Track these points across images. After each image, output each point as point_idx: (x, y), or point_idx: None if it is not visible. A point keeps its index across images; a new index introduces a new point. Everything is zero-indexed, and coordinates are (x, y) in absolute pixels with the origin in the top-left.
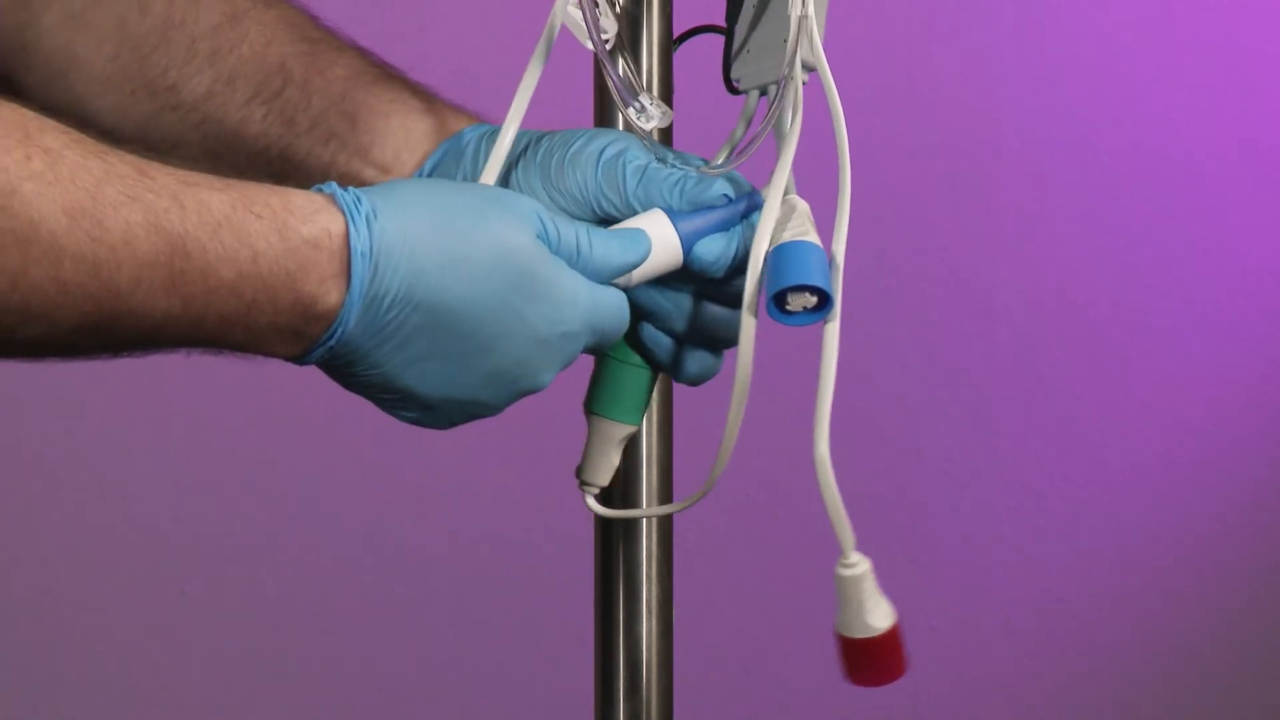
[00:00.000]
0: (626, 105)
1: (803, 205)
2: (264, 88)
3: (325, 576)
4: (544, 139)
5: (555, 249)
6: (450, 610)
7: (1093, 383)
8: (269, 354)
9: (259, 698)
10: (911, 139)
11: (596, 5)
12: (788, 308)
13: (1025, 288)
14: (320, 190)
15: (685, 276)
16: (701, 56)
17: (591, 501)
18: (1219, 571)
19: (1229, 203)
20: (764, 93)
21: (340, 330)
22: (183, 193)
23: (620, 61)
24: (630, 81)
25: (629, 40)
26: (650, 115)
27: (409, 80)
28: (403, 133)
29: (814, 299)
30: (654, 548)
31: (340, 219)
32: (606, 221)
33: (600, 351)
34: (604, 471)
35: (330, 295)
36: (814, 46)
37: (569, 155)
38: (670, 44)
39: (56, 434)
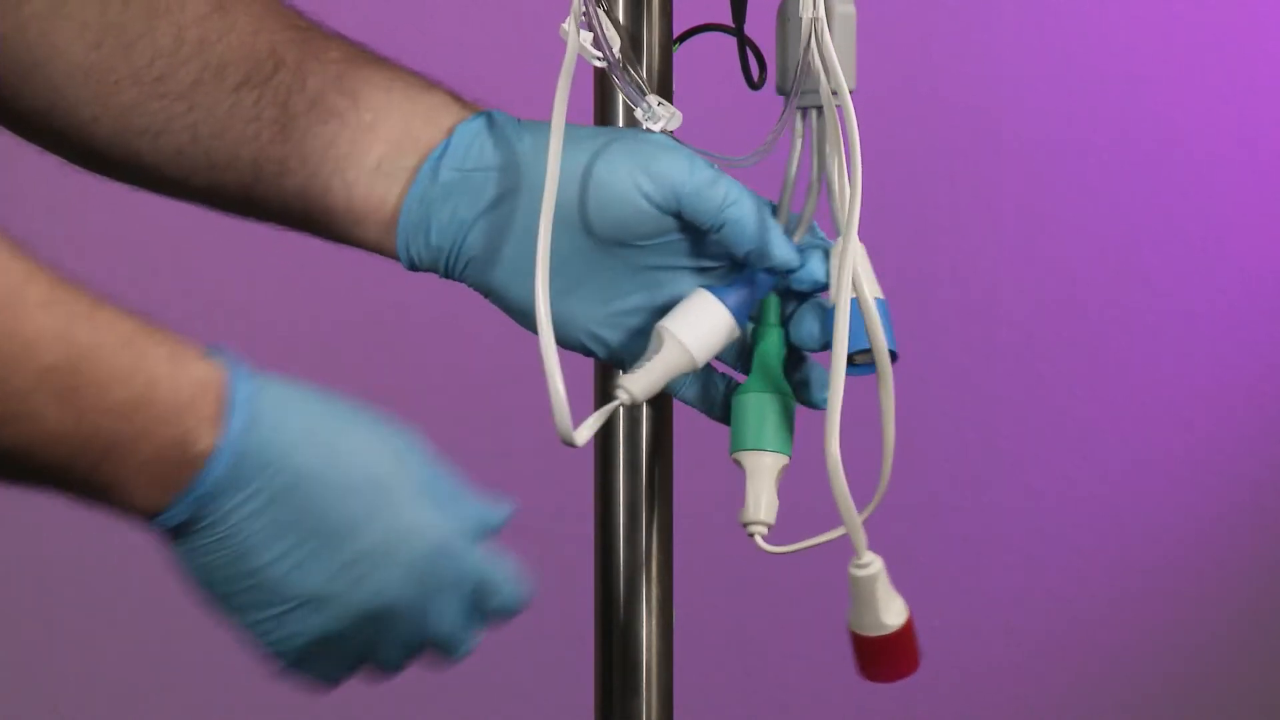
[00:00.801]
0: (635, 105)
1: (859, 249)
2: (255, 73)
3: None
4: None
5: (423, 479)
6: None
7: (1093, 383)
8: (127, 503)
9: (259, 698)
10: (911, 139)
11: (599, 19)
12: (855, 360)
13: (1025, 288)
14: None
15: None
16: (701, 56)
17: (763, 542)
18: (1219, 571)
19: (1229, 203)
20: (805, 111)
21: (209, 477)
22: (95, 308)
23: (627, 66)
24: (639, 84)
25: (630, 41)
26: (657, 116)
27: (404, 65)
28: (409, 105)
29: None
30: (654, 547)
31: (224, 368)
32: (672, 213)
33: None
34: (768, 508)
35: (206, 437)
36: (826, 52)
37: (655, 139)
38: (670, 44)
39: None
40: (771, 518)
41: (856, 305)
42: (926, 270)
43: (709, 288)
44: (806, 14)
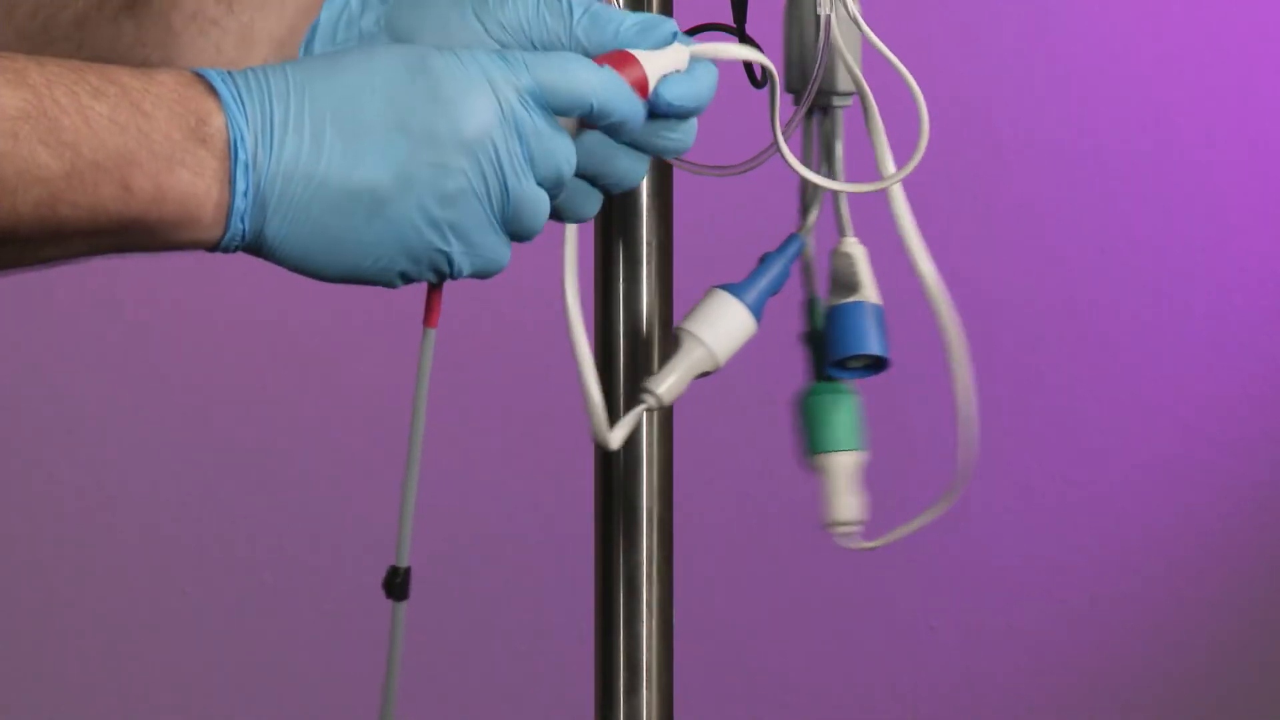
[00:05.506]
0: None
1: (859, 251)
2: None
3: (325, 576)
4: None
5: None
6: (451, 610)
7: (1093, 383)
8: (183, 194)
9: (259, 698)
10: (910, 139)
11: None
12: (850, 365)
13: (1025, 288)
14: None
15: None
16: None
17: (856, 541)
18: (1219, 571)
19: (1229, 203)
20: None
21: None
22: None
23: None
24: None
25: None
26: None
27: None
28: (283, 2)
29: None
30: (654, 548)
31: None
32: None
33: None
34: (855, 507)
35: (212, 107)
36: (838, 49)
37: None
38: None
39: (56, 434)
40: (854, 515)
41: (852, 310)
42: None
43: (726, 287)
44: (824, 10)
